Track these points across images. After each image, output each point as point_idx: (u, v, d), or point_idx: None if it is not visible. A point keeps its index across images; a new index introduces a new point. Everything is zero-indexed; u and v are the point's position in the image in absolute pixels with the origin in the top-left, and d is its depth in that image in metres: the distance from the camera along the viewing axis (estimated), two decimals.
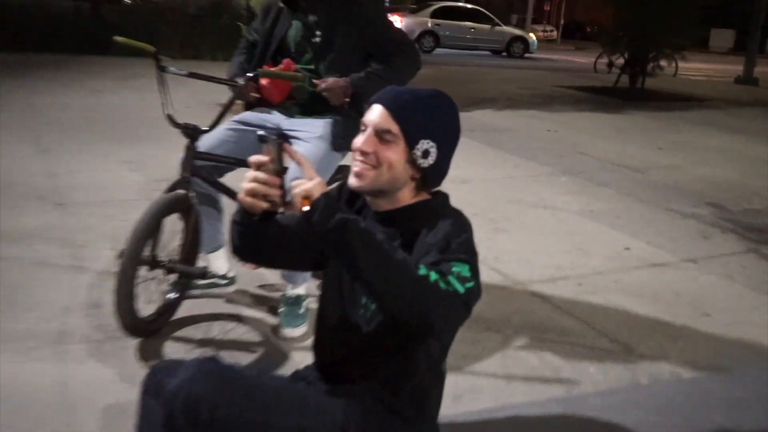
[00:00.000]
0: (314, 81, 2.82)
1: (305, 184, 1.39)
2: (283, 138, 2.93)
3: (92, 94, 8.66)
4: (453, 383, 2.59)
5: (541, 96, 11.91)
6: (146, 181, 4.89)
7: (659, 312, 3.42)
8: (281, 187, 1.42)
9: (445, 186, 1.64)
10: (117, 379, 2.51)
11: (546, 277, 3.77)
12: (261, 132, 1.49)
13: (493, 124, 8.69)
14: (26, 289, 3.19)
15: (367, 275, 1.34)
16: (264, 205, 1.44)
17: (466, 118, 8.85)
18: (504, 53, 23.44)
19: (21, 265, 3.45)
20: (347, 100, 2.82)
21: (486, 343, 2.96)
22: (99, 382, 2.49)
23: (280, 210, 1.49)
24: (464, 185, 5.45)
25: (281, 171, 1.42)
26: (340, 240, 1.34)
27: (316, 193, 1.37)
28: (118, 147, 5.97)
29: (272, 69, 2.85)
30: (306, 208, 1.36)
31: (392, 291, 1.33)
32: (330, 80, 2.77)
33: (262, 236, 1.57)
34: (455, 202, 1.63)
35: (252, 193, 1.43)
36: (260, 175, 1.42)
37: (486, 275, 3.64)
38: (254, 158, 1.44)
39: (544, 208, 5.09)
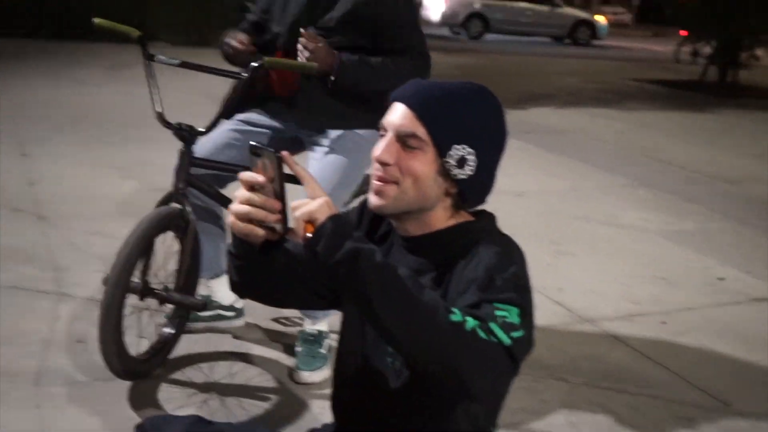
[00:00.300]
0: (301, 30, 2.74)
1: (307, 204, 1.31)
2: (295, 145, 2.91)
3: (78, 87, 8.77)
4: None
5: (612, 91, 11.80)
6: (141, 191, 4.90)
7: (762, 358, 3.31)
8: (282, 210, 1.35)
9: (496, 200, 1.56)
10: (102, 431, 2.48)
11: (621, 314, 3.69)
12: (254, 142, 1.40)
13: (554, 125, 8.61)
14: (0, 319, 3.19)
15: (385, 320, 1.26)
16: (260, 232, 1.37)
17: (521, 117, 8.81)
18: (567, 40, 23.34)
19: None
20: (332, 78, 2.75)
21: (548, 395, 2.89)
22: None
23: (283, 238, 1.41)
24: (519, 199, 5.38)
25: (281, 191, 1.34)
26: (350, 275, 1.26)
27: (321, 217, 1.29)
28: (108, 150, 6.00)
29: (282, 59, 2.83)
30: (309, 235, 1.29)
31: (416, 341, 1.25)
32: (321, 44, 2.70)
33: (265, 270, 1.50)
34: (507, 218, 1.56)
35: (246, 219, 1.37)
36: (254, 197, 1.35)
37: (547, 310, 3.57)
38: (246, 176, 1.36)
39: (618, 227, 5.00)
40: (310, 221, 1.30)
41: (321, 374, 2.88)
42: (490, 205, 1.55)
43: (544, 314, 3.60)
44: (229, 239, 1.50)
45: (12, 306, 3.31)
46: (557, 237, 4.69)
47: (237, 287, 1.57)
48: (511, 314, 1.31)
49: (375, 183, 1.47)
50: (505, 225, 1.53)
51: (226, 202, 2.91)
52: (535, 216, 5.05)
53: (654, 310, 3.77)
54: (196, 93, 6.22)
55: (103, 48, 11.25)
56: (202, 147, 2.88)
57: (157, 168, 5.31)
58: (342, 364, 1.64)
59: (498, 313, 1.30)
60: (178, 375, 2.84)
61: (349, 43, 2.78)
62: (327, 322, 3.02)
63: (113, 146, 6.13)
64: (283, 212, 1.35)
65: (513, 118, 1.55)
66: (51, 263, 3.77)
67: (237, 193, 1.37)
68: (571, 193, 5.81)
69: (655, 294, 3.96)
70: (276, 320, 3.32)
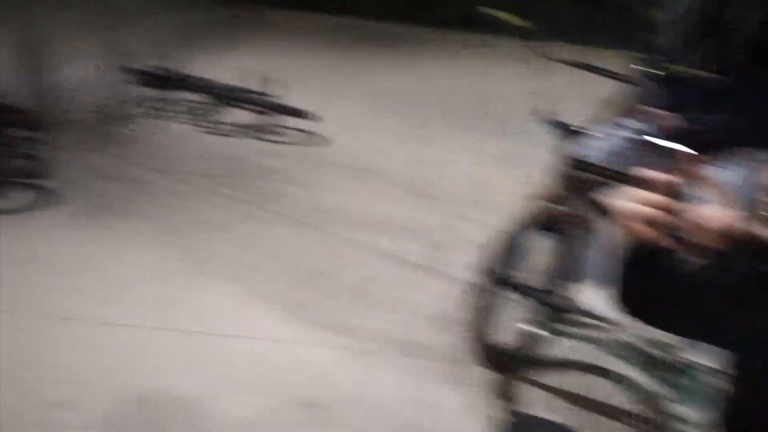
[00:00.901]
0: None
1: (721, 213, 1.12)
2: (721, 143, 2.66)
3: (468, 76, 9.11)
4: None
5: None
6: (522, 185, 4.93)
7: None
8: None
9: None
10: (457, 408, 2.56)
11: None
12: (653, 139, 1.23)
13: None
14: (376, 283, 3.47)
15: None
16: (667, 241, 1.20)
17: None
18: None
19: (373, 254, 3.77)
20: None
21: None
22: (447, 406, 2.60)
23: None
24: None
25: (691, 195, 1.16)
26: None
27: (738, 229, 1.11)
28: (494, 139, 6.15)
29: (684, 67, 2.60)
30: (722, 248, 1.12)
31: None
32: None
33: (660, 287, 1.34)
34: None
35: (651, 222, 1.19)
36: (658, 198, 1.17)
37: None
38: (652, 174, 1.18)
39: None
40: (724, 233, 1.12)
41: (695, 412, 2.62)
42: None
43: None
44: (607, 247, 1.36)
45: (386, 273, 3.58)
46: None
47: (626, 302, 1.44)
48: None
49: None
50: None
51: (600, 208, 2.79)
52: None
53: None
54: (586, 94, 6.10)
55: (490, 39, 11.33)
56: (587, 149, 2.76)
57: (539, 164, 5.31)
58: (743, 414, 1.41)
59: None
60: (539, 376, 2.81)
61: None
62: (712, 355, 2.74)
63: (500, 136, 6.26)
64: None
65: None
66: (427, 240, 3.95)
67: (631, 192, 1.22)
68: None
69: None
70: (652, 341, 3.08)
